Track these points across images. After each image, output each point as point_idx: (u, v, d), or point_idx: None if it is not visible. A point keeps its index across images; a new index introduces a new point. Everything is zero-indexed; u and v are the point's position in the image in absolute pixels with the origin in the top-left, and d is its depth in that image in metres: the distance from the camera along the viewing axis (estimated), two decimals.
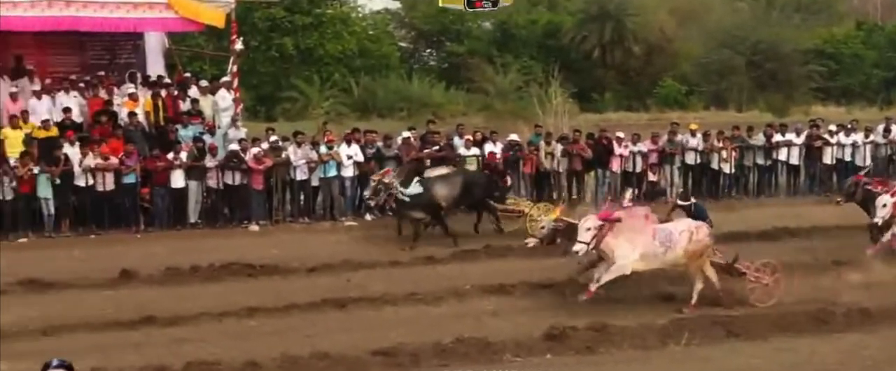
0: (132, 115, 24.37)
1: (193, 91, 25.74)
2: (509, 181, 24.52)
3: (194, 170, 23.55)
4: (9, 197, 22.32)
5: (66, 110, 24.10)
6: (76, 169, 22.82)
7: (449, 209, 22.09)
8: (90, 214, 22.94)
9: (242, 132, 25.30)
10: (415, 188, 21.45)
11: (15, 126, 23.31)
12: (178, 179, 23.52)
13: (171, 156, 23.68)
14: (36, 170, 22.40)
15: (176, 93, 25.41)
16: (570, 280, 16.89)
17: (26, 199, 22.46)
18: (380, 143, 25.37)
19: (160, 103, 24.91)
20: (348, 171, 24.61)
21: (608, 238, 15.72)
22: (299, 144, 24.59)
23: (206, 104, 25.39)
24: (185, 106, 25.24)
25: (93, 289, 17.87)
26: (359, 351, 14.22)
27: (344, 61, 47.01)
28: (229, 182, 23.77)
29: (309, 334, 15.07)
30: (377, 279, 18.20)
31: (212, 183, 23.79)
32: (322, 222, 24.07)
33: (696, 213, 17.96)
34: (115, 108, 24.75)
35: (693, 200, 18.80)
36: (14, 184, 22.25)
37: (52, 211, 22.62)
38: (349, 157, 24.56)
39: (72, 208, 22.93)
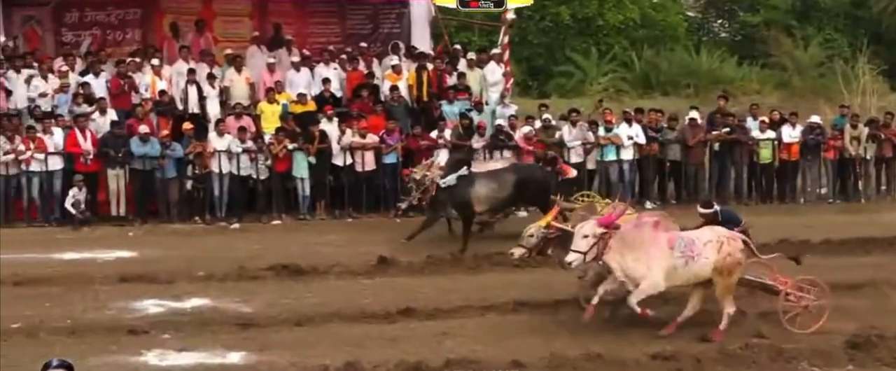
0: (394, 89, 24.64)
1: (461, 64, 25.81)
2: (573, 172, 22.99)
3: (460, 149, 23.64)
4: (263, 176, 22.90)
5: (325, 82, 24.56)
6: (334, 147, 23.23)
7: (493, 211, 20.89)
8: (348, 196, 23.32)
9: (512, 109, 25.27)
10: (452, 180, 20.50)
11: (271, 100, 23.91)
12: (442, 160, 23.62)
13: (434, 134, 23.86)
14: (291, 147, 22.90)
15: (442, 66, 25.52)
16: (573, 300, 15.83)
17: (281, 179, 23.01)
18: (664, 124, 24.90)
19: (425, 77, 25.05)
20: (628, 154, 24.25)
21: (613, 253, 14.32)
22: (574, 124, 24.37)
23: (473, 78, 25.45)
24: (451, 80, 25.35)
25: (349, 276, 18.11)
26: (636, 353, 13.99)
27: (625, 32, 46.43)
28: None
29: (576, 333, 14.82)
30: None
31: None
32: None
33: (726, 222, 15.80)
34: (377, 82, 25.11)
35: (716, 207, 16.30)
36: (269, 162, 22.80)
37: (308, 192, 23.09)
38: (629, 139, 24.18)
39: (328, 189, 23.36)
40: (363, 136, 23.38)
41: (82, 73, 23.78)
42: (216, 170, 22.62)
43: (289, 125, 23.51)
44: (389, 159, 23.48)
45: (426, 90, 25.09)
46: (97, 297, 16.73)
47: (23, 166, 21.99)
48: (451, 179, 20.39)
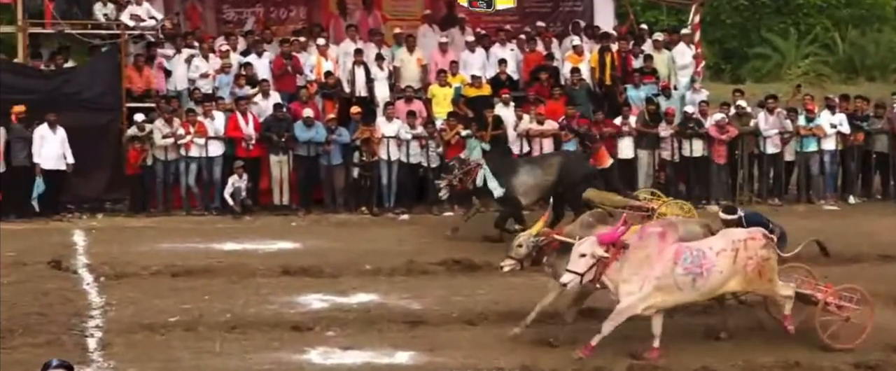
0: (575, 71, 24.50)
1: (647, 45, 25.56)
2: (609, 161, 22.18)
3: (646, 137, 23.41)
4: (433, 164, 22.99)
5: (501, 64, 24.54)
6: (510, 133, 23.18)
7: (537, 203, 20.19)
8: None
9: (703, 94, 24.93)
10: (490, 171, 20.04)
11: (443, 83, 23.97)
12: (626, 148, 23.46)
13: (618, 120, 23.69)
14: (464, 133, 22.91)
15: (627, 47, 25.31)
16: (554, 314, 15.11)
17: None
18: (870, 113, 24.33)
19: (608, 59, 24.86)
20: (830, 145, 23.77)
21: (612, 270, 13.70)
22: (771, 111, 23.96)
23: (661, 61, 25.19)
24: (636, 63, 25.13)
25: (525, 273, 17.88)
26: (836, 362, 13.78)
27: (827, 11, 45.61)
28: (686, 153, 23.55)
29: (770, 340, 14.65)
30: (858, 276, 17.12)
31: (666, 154, 23.67)
32: (796, 205, 23.41)
33: (750, 226, 14.99)
34: (556, 64, 24.99)
35: (740, 213, 15.57)
36: (440, 149, 22.85)
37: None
38: (832, 127, 23.68)
39: None
40: (541, 123, 23.30)
41: (244, 53, 24.16)
42: (384, 157, 22.75)
43: (461, 110, 23.55)
44: (569, 148, 23.31)
45: (609, 73, 24.88)
46: (258, 290, 16.94)
47: (182, 151, 22.39)
48: (495, 183, 19.98)
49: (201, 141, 22.41)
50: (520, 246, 14.63)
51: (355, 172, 22.75)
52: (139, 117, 22.28)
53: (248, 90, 23.27)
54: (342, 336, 14.80)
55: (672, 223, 15.01)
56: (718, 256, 13.99)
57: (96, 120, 22.54)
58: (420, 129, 23.04)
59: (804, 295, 14.71)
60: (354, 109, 23.20)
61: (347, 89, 24.12)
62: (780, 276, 14.54)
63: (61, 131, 21.68)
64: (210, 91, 23.32)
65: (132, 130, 22.30)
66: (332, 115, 23.14)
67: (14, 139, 21.67)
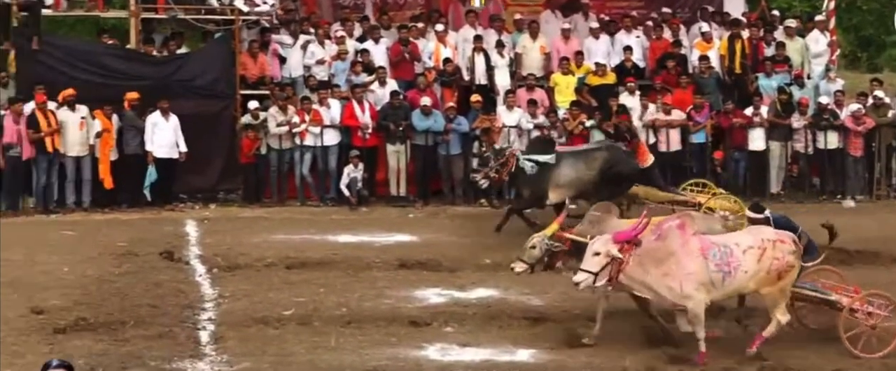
0: (704, 59, 24.28)
1: (779, 32, 25.24)
2: (650, 159, 20.57)
3: (778, 129, 23.11)
4: None
5: (627, 51, 24.38)
6: (635, 123, 22.99)
7: (577, 197, 19.47)
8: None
9: (838, 84, 24.56)
10: (532, 166, 19.36)
11: (566, 71, 23.82)
12: (757, 140, 23.18)
13: (749, 111, 23.43)
14: (588, 124, 22.75)
15: (758, 34, 24.98)
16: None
17: None
18: None
19: (738, 46, 24.57)
20: None
21: (634, 268, 13.33)
22: None
23: (794, 49, 24.87)
24: (768, 50, 24.81)
25: None
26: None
27: None
28: (820, 146, 23.27)
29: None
30: None
31: (799, 146, 23.40)
32: None
33: (777, 228, 14.42)
34: (684, 52, 24.76)
35: (768, 213, 14.99)
36: (562, 139, 22.69)
37: None
38: None
39: None
40: (668, 112, 23.10)
41: (361, 40, 24.21)
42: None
43: (585, 99, 23.39)
44: (697, 139, 23.13)
45: (739, 61, 24.60)
46: (375, 284, 16.95)
47: (296, 140, 22.48)
48: (531, 165, 19.41)
49: (316, 129, 22.48)
50: (533, 248, 14.33)
51: (475, 163, 22.63)
52: (253, 105, 22.42)
53: (364, 78, 23.32)
54: (461, 332, 14.74)
55: (690, 215, 14.75)
56: (745, 254, 13.61)
57: (209, 107, 22.74)
58: (542, 119, 22.93)
59: (829, 300, 14.34)
60: (474, 98, 23.15)
61: (467, 77, 24.06)
62: (810, 278, 14.35)
63: (174, 119, 21.89)
64: (326, 78, 23.40)
65: (246, 118, 22.45)
66: (451, 104, 23.10)
67: (126, 127, 21.92)
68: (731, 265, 13.54)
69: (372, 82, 23.26)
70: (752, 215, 14.95)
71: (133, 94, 21.87)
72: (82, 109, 21.71)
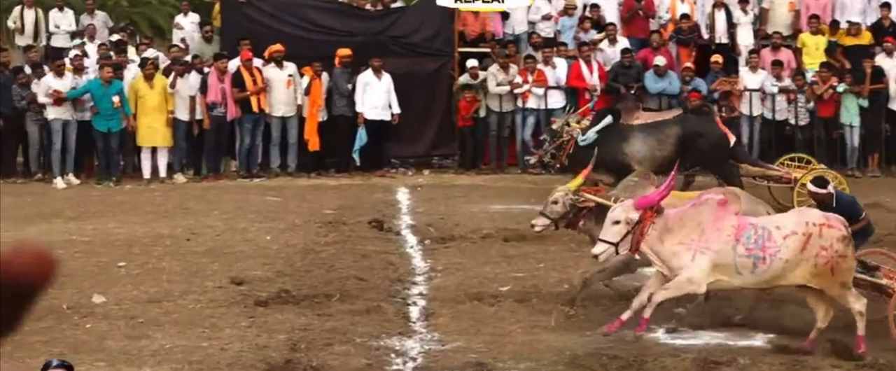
0: None
1: None
2: (733, 139, 19.52)
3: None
4: (802, 121, 22.59)
5: (884, 8, 23.78)
6: (892, 88, 22.46)
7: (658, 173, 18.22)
8: None
9: None
10: (591, 136, 18.43)
11: (815, 30, 23.45)
12: None
13: None
14: (840, 88, 22.29)
15: None
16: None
17: (825, 125, 22.56)
18: None
19: None
20: None
21: (653, 238, 12.63)
22: None
23: None
24: None
25: None
26: None
27: None
28: None
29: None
30: None
31: None
32: None
33: (841, 211, 13.42)
34: None
35: (831, 188, 13.92)
36: (811, 104, 22.31)
37: (857, 142, 22.61)
38: None
39: (884, 140, 22.89)
40: None
41: None
42: (746, 112, 22.32)
43: (837, 60, 22.91)
44: None
45: None
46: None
47: (519, 102, 22.45)
48: (590, 135, 18.62)
49: (540, 91, 22.43)
50: (555, 203, 14.14)
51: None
52: (472, 63, 22.44)
53: (593, 35, 23.17)
54: (693, 314, 14.48)
55: (735, 192, 14.24)
56: (786, 241, 12.86)
57: (425, 66, 22.89)
58: (788, 82, 22.52)
59: (881, 285, 13.58)
60: (714, 58, 22.84)
61: (706, 35, 23.84)
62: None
63: (387, 78, 22.05)
64: (551, 35, 23.31)
65: (464, 78, 22.50)
66: (688, 64, 22.81)
67: (336, 86, 22.12)
68: (767, 251, 12.87)
69: (601, 40, 23.15)
70: (814, 189, 14.08)
71: (345, 51, 22.08)
72: (290, 67, 22.02)
